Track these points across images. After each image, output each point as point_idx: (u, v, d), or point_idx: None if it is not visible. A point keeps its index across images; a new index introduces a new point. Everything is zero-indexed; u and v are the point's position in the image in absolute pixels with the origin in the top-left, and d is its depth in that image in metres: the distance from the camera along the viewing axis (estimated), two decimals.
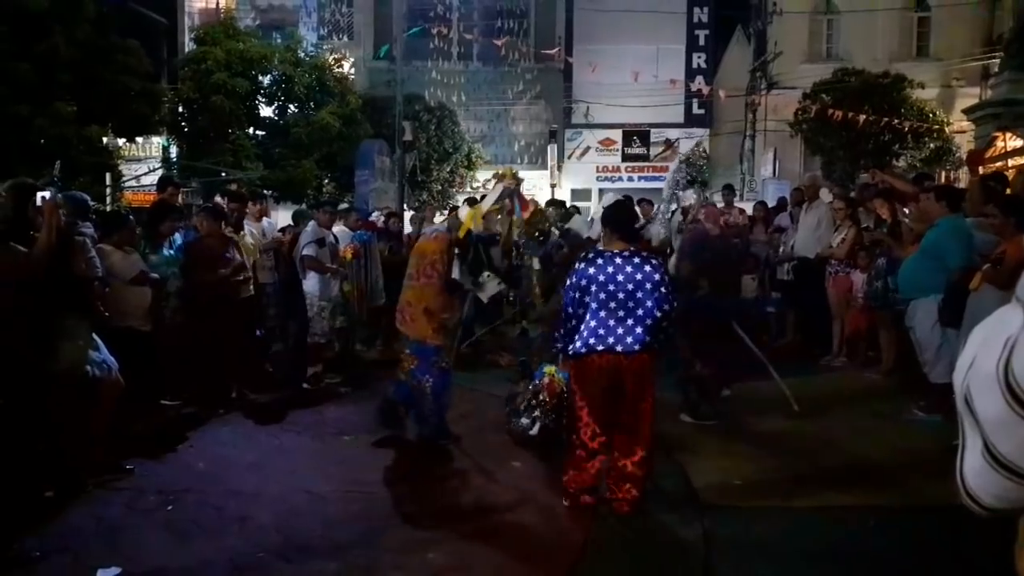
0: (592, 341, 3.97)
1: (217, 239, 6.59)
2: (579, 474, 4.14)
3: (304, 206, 12.92)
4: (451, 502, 4.47)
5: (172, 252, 6.34)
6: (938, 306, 5.61)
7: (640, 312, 3.96)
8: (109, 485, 4.63)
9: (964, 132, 16.92)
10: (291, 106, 17.23)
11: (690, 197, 8.42)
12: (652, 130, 23.93)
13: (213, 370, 6.45)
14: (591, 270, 4.02)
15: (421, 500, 4.48)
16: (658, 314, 3.97)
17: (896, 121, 17.23)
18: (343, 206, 15.03)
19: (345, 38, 23.10)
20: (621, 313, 3.96)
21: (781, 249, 9.29)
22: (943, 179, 16.15)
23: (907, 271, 6.18)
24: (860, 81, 17.95)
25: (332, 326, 7.54)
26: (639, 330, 3.96)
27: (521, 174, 22.60)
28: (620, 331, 3.96)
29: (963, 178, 17.41)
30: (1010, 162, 12.00)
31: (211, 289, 6.41)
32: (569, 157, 24.04)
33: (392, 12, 19.78)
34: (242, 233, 7.11)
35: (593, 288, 3.99)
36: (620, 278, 3.97)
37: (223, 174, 15.76)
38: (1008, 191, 7.45)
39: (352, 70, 20.92)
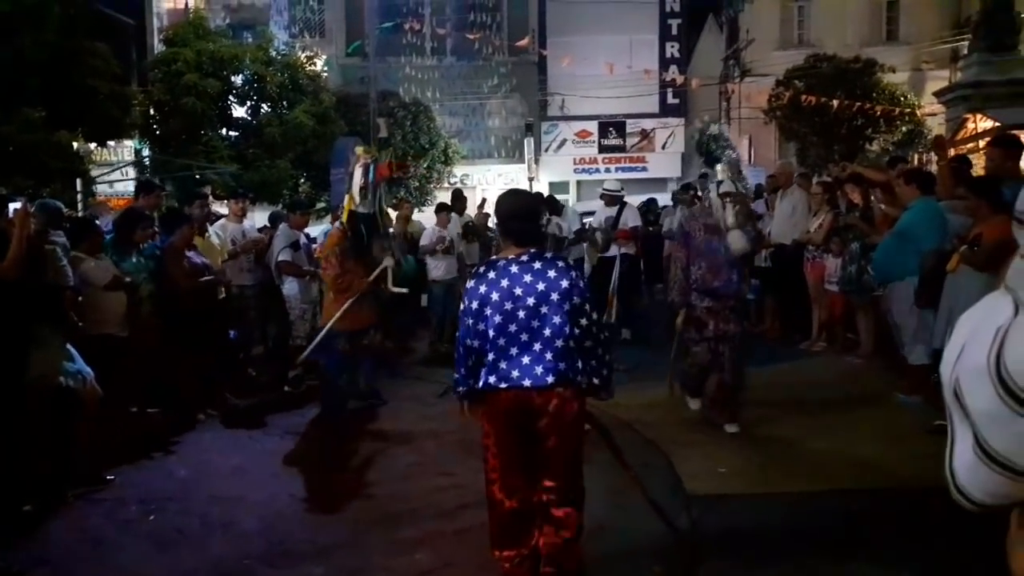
0: (492, 378, 3.07)
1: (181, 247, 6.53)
2: (505, 541, 3.15)
3: (280, 207, 12.81)
4: (437, 501, 4.45)
5: (141, 260, 6.24)
6: (914, 289, 5.66)
7: (547, 332, 3.04)
8: (90, 496, 4.57)
9: (936, 115, 17.11)
10: (264, 106, 17.04)
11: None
12: (628, 121, 23.97)
13: (192, 375, 6.38)
14: (482, 288, 3.09)
15: (407, 500, 4.46)
16: (569, 332, 3.05)
17: (868, 105, 17.40)
18: (320, 204, 14.98)
19: (317, 36, 22.91)
20: (524, 337, 3.04)
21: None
22: (916, 162, 16.31)
23: (881, 255, 6.23)
24: (832, 67, 18.11)
25: (314, 327, 7.49)
26: (548, 356, 3.03)
27: (498, 168, 22.61)
28: (525, 360, 3.04)
29: (935, 161, 17.62)
30: (981, 143, 12.15)
31: (184, 295, 6.35)
32: (546, 150, 24.04)
33: (363, 8, 19.67)
34: (207, 235, 7.03)
35: (487, 310, 3.06)
36: (518, 292, 3.04)
37: (196, 176, 15.60)
38: (976, 172, 7.56)
39: (325, 68, 20.73)
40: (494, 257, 3.30)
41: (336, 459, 5.27)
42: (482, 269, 3.20)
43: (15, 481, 4.20)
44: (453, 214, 9.81)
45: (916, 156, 17.34)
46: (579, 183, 24.02)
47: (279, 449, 5.54)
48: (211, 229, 7.61)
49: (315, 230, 8.02)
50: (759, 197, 10.81)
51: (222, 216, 8.67)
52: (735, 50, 22.40)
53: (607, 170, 23.44)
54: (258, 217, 11.51)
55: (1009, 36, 12.97)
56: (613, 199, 9.93)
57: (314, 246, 7.58)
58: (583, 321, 3.10)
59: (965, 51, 16.13)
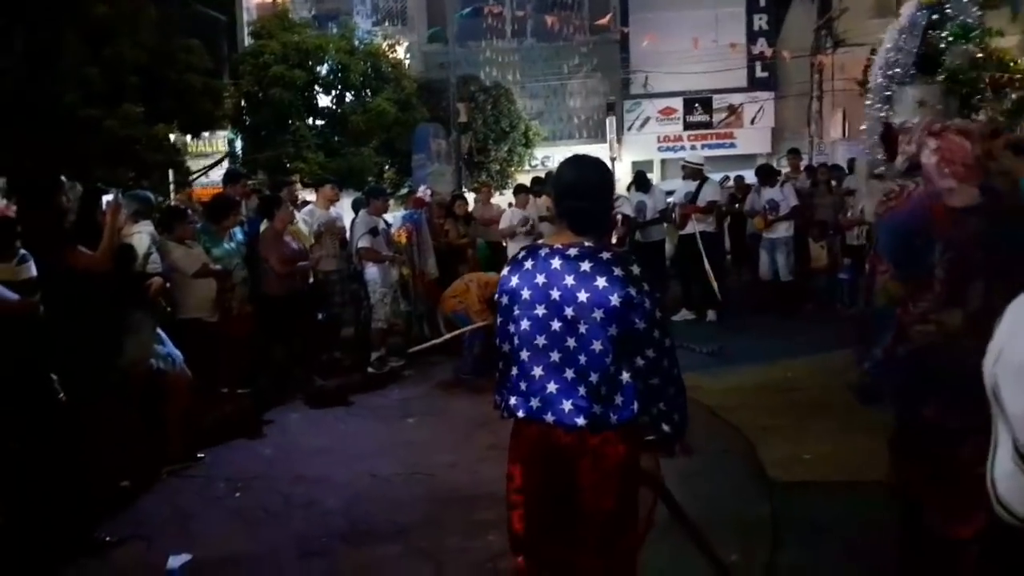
0: (514, 400, 2.36)
1: (281, 229, 6.73)
2: None
3: (363, 191, 13.06)
4: None
5: (233, 245, 6.45)
6: None
7: (583, 359, 2.24)
8: (182, 474, 4.78)
9: None
10: (348, 94, 17.37)
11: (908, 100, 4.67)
12: (714, 96, 23.31)
13: (281, 358, 6.59)
14: (514, 279, 2.36)
15: (483, 483, 4.46)
16: (613, 366, 2.23)
17: (974, 73, 16.37)
18: (404, 190, 15.18)
19: (399, 23, 23.18)
20: (555, 356, 2.28)
21: (850, 212, 8.94)
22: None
23: None
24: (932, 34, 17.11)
25: (395, 311, 7.64)
26: (581, 391, 2.24)
27: (580, 149, 22.38)
28: (551, 388, 2.28)
29: None
30: None
31: (279, 278, 6.55)
32: (629, 129, 23.65)
33: None
34: (295, 221, 7.21)
35: (516, 309, 2.35)
36: (555, 295, 2.27)
37: (286, 164, 16.07)
38: None
39: (407, 55, 20.97)
40: (539, 242, 2.50)
41: (417, 440, 5.34)
42: (521, 255, 2.43)
43: (114, 459, 4.41)
44: (533, 196, 9.77)
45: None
46: (663, 162, 23.54)
47: (362, 430, 5.66)
48: (299, 215, 7.81)
49: (393, 216, 8.11)
50: (852, 172, 10.35)
51: (310, 202, 8.89)
52: (827, 19, 21.41)
53: (692, 147, 22.86)
54: (345, 203, 11.78)
55: None
56: (695, 172, 9.64)
57: (392, 231, 7.68)
58: (649, 352, 2.26)
59: None
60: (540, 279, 2.29)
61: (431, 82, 19.85)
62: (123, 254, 4.50)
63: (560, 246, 2.33)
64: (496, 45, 22.42)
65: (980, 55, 2.87)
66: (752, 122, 23.44)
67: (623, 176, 17.68)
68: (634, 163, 22.66)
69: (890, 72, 3.05)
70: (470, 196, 13.43)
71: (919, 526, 2.68)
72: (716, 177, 11.41)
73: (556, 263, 2.29)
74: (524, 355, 2.33)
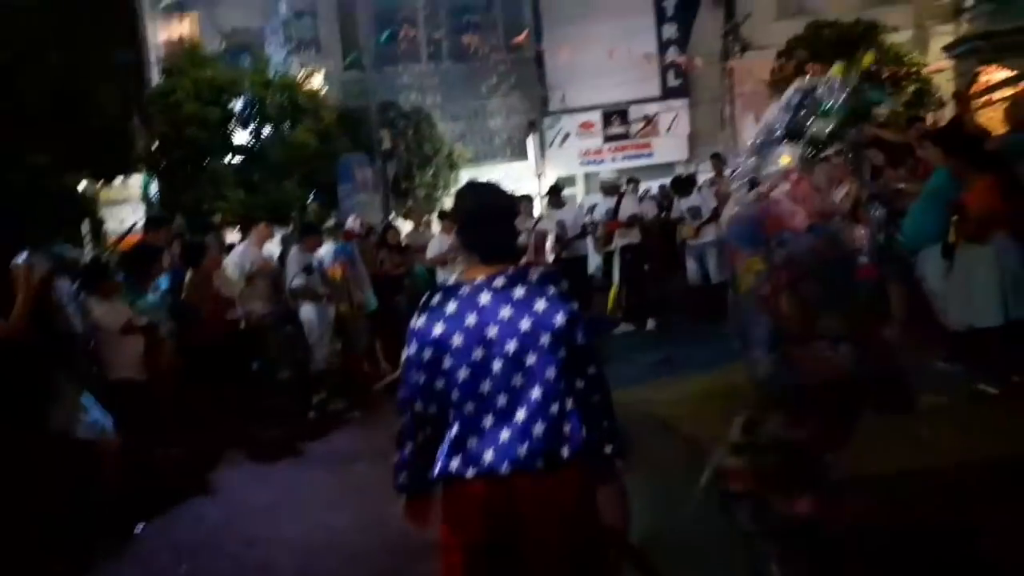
0: (456, 463, 2.12)
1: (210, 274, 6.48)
2: None
3: (290, 229, 12.73)
4: None
5: (157, 297, 6.15)
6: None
7: (536, 392, 2.09)
8: (120, 548, 4.47)
9: (942, 71, 16.75)
10: (266, 128, 17.02)
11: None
12: (631, 107, 23.71)
13: (216, 411, 6.29)
14: (437, 328, 2.14)
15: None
16: (567, 388, 2.12)
17: (874, 68, 17.06)
18: (329, 222, 14.89)
19: (314, 51, 22.87)
20: (502, 401, 2.10)
21: None
22: (929, 121, 15.98)
23: (911, 220, 6.03)
24: (834, 33, 17.78)
25: (334, 349, 7.42)
26: (538, 428, 2.08)
27: (505, 168, 22.47)
28: (504, 435, 2.09)
29: (947, 118, 17.30)
30: (996, 95, 11.85)
31: (208, 326, 6.28)
32: (551, 145, 23.84)
33: (358, 21, 19.59)
34: (222, 267, 6.94)
35: (447, 361, 2.12)
36: (491, 333, 2.10)
37: (205, 206, 15.60)
38: (996, 126, 7.33)
39: (324, 84, 20.70)
40: (452, 281, 2.28)
41: (368, 486, 5.13)
42: (436, 299, 2.18)
43: (42, 542, 4.10)
44: None
45: (927, 115, 17.02)
46: (587, 176, 23.79)
47: (310, 481, 5.44)
48: (227, 260, 7.53)
49: (324, 251, 7.88)
50: None
51: (234, 245, 8.61)
52: (733, 25, 22.07)
53: (612, 159, 23.17)
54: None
55: None
56: (612, 188, 9.87)
57: (325, 266, 7.47)
58: (590, 370, 2.14)
59: (969, 2, 15.78)
60: (470, 320, 2.11)
61: (351, 110, 19.62)
62: (41, 317, 4.19)
63: (482, 279, 2.17)
64: (414, 69, 22.33)
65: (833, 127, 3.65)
66: (668, 130, 23.91)
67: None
68: (558, 179, 22.82)
69: (765, 137, 3.72)
70: (401, 224, 13.28)
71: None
72: (653, 187, 11.67)
73: (484, 298, 2.13)
74: (468, 409, 2.11)
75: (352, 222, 8.62)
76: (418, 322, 2.19)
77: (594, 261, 10.73)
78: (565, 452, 2.10)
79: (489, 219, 2.24)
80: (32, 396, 4.08)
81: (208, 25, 22.37)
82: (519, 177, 21.72)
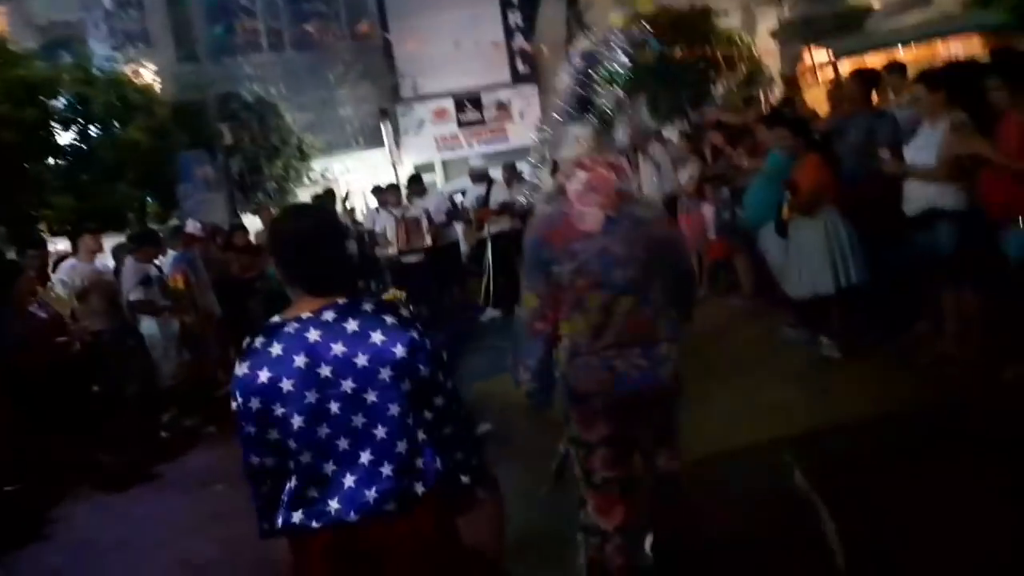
0: (298, 516, 1.94)
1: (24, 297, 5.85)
2: None
3: (127, 235, 11.87)
4: None
5: None
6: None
7: (380, 432, 1.94)
8: None
9: (770, 52, 17.81)
10: (92, 128, 15.74)
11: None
12: (483, 94, 23.75)
13: (53, 442, 5.73)
14: (263, 374, 1.92)
15: None
16: (415, 423, 1.97)
17: (708, 50, 17.91)
18: (172, 222, 14.00)
19: (141, 45, 21.37)
20: (344, 444, 1.94)
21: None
22: (762, 98, 16.96)
23: (751, 199, 6.34)
24: (670, 18, 18.49)
25: (181, 363, 6.96)
26: (386, 469, 1.93)
27: (360, 156, 21.96)
28: (349, 481, 1.93)
29: (777, 95, 18.45)
30: (819, 75, 12.70)
31: (33, 355, 5.68)
32: (406, 133, 23.52)
33: (190, 11, 18.47)
34: (48, 284, 6.32)
35: (278, 409, 1.92)
36: (325, 373, 1.92)
37: (31, 213, 14.27)
38: (820, 106, 7.85)
39: (157, 78, 19.39)
40: (276, 319, 2.01)
41: (228, 510, 4.81)
42: (258, 342, 1.96)
43: None
44: None
45: (760, 93, 18.06)
46: (445, 163, 23.67)
47: (164, 510, 5.05)
48: (55, 277, 6.88)
49: (163, 260, 7.36)
50: (620, 155, 10.90)
51: (67, 255, 7.88)
52: (576, 12, 22.52)
53: (470, 146, 23.19)
54: (107, 243, 10.58)
55: None
56: (481, 175, 9.87)
57: (166, 276, 6.97)
58: (438, 401, 2.00)
59: None
60: (300, 361, 1.91)
61: (187, 105, 18.49)
62: None
63: (309, 314, 1.96)
64: (254, 59, 21.38)
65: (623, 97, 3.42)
66: (521, 116, 24.18)
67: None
68: (416, 166, 22.57)
69: (560, 112, 3.53)
70: (251, 221, 12.66)
71: None
72: (526, 171, 11.77)
73: (314, 335, 1.92)
74: (306, 458, 1.93)
75: (191, 226, 8.09)
76: (241, 369, 1.95)
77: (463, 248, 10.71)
78: (419, 488, 1.96)
79: (312, 246, 2.02)
80: None
81: (19, 19, 20.42)
82: (375, 165, 21.32)
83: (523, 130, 23.98)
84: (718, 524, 3.31)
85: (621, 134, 4.09)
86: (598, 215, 2.76)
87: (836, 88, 6.97)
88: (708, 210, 7.92)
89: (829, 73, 11.96)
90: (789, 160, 5.71)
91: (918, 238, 4.94)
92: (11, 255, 8.85)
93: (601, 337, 2.76)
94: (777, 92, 18.10)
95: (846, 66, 10.70)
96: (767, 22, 18.80)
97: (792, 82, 7.79)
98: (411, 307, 2.25)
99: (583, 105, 3.34)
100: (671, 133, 10.68)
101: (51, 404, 5.68)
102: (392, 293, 5.57)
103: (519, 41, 22.50)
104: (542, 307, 2.84)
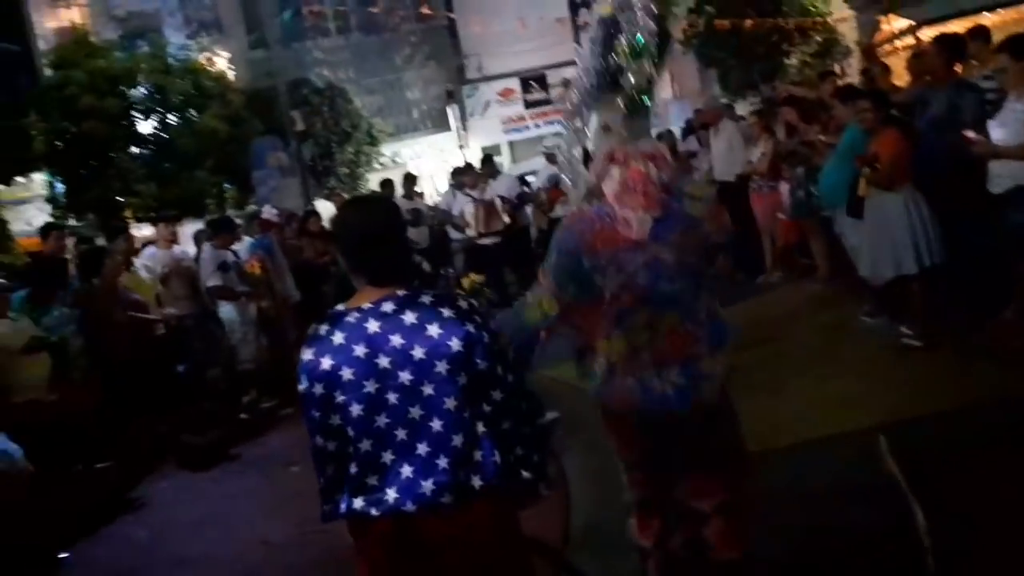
0: (359, 502, 1.99)
1: (112, 282, 6.12)
2: None
3: (205, 222, 12.28)
4: None
5: (65, 310, 5.78)
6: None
7: (436, 424, 1.96)
8: None
9: (846, 20, 17.11)
10: (171, 117, 16.26)
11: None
12: (548, 72, 23.55)
13: (139, 422, 6.01)
14: (326, 360, 1.98)
15: None
16: (471, 418, 1.99)
17: (781, 21, 17.32)
18: (250, 208, 14.39)
19: (215, 33, 21.93)
20: (401, 434, 1.97)
21: (696, 174, 9.20)
22: (838, 71, 16.34)
23: (827, 178, 6.12)
24: None
25: (260, 347, 7.18)
26: (442, 462, 1.96)
27: (428, 139, 22.08)
28: (406, 472, 1.97)
29: (854, 67, 17.76)
30: (898, 43, 12.15)
31: (121, 334, 5.95)
32: (472, 115, 23.54)
33: None
34: (132, 269, 6.59)
35: (339, 396, 1.97)
36: (384, 363, 1.95)
37: (118, 200, 14.89)
38: (898, 76, 7.51)
39: (230, 66, 19.88)
40: (339, 307, 2.07)
41: (305, 491, 4.97)
42: (322, 329, 2.02)
43: None
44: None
45: (835, 65, 17.40)
46: (512, 144, 23.62)
47: (243, 490, 5.24)
48: (138, 262, 7.17)
49: (241, 245, 7.56)
50: (690, 133, 10.67)
51: (150, 243, 8.20)
52: None
53: (536, 126, 23.06)
54: (188, 229, 10.97)
55: None
56: (553, 156, 9.79)
57: (243, 262, 7.17)
58: (496, 395, 2.00)
59: None
60: (359, 351, 1.95)
61: (260, 91, 18.92)
62: None
63: (370, 305, 2.00)
64: (323, 44, 21.65)
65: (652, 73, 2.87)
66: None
67: (475, 163, 17.60)
68: (483, 148, 22.59)
69: (580, 97, 3.10)
70: (324, 206, 12.90)
71: None
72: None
73: (373, 326, 1.96)
74: (365, 446, 1.97)
75: (267, 212, 8.30)
76: (306, 355, 2.01)
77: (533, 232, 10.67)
78: (476, 483, 1.98)
79: (373, 239, 2.05)
80: None
81: (99, 11, 21.21)
82: (443, 148, 21.45)
83: None
84: (790, 519, 3.25)
85: (652, 118, 3.61)
86: (644, 219, 2.46)
87: (916, 58, 6.64)
88: (782, 190, 7.70)
89: (908, 42, 11.43)
90: (866, 136, 5.49)
91: (1005, 218, 4.70)
92: (99, 242, 9.27)
93: (639, 355, 2.50)
94: (854, 64, 17.49)
95: (927, 34, 10.22)
96: None
97: (870, 52, 7.46)
98: (488, 291, 2.23)
99: (608, 84, 2.99)
100: (742, 109, 10.42)
101: (137, 385, 5.95)
102: (471, 278, 5.61)
103: (584, 15, 22.11)
104: (560, 319, 2.59)
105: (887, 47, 12.17)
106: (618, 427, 2.64)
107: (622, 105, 2.81)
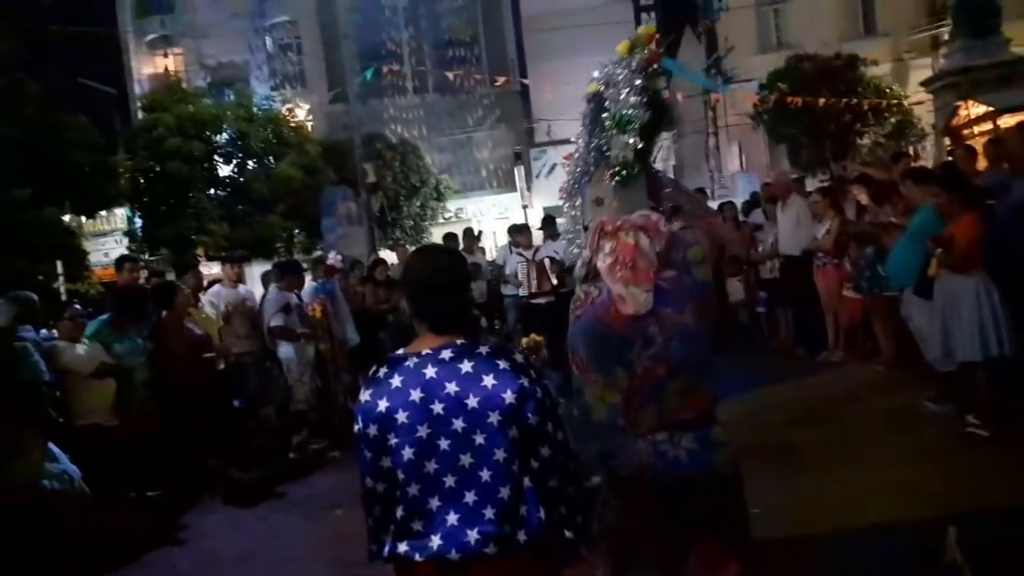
0: (403, 547, 2.01)
1: (181, 316, 6.32)
2: None
3: (272, 264, 12.64)
4: None
5: (139, 341, 5.97)
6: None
7: (485, 475, 1.96)
8: None
9: (922, 103, 16.97)
10: (249, 162, 16.96)
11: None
12: None
13: (191, 454, 6.13)
14: (382, 403, 2.01)
15: None
16: (519, 472, 1.99)
17: (854, 101, 17.26)
18: (317, 253, 14.78)
19: (298, 87, 22.94)
20: (450, 481, 1.98)
21: (760, 247, 9.13)
22: (911, 152, 16.12)
23: (896, 258, 6.00)
24: (814, 65, 18.00)
25: (314, 388, 7.29)
26: (488, 512, 1.95)
27: (492, 199, 22.40)
28: (451, 519, 1.97)
29: (928, 150, 17.51)
30: (976, 129, 11.96)
31: (183, 370, 6.11)
32: (537, 176, 23.91)
33: (343, 55, 19.67)
34: (199, 305, 6.80)
35: (392, 438, 2.00)
36: (438, 409, 1.97)
37: (191, 237, 15.48)
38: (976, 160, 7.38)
39: (309, 117, 20.72)
40: (399, 352, 2.11)
41: (349, 534, 4.97)
42: (382, 372, 2.06)
43: None
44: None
45: (909, 147, 17.17)
46: None
47: (287, 528, 5.26)
48: (204, 298, 7.40)
49: (304, 290, 7.76)
50: (756, 206, 10.61)
51: (216, 281, 8.46)
52: (715, 59, 22.34)
53: None
54: (256, 270, 11.33)
55: (990, 18, 12.79)
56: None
57: (305, 305, 7.35)
58: (544, 451, 2.00)
59: (946, 36, 16.01)
60: (415, 395, 1.98)
61: (336, 143, 19.63)
62: (2, 366, 4.06)
63: (429, 351, 2.02)
64: (399, 102, 22.45)
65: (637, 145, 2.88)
66: (654, 161, 24.01)
67: (537, 223, 17.81)
68: (545, 208, 22.83)
69: (577, 169, 3.17)
70: (388, 256, 13.16)
71: None
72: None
73: (430, 371, 1.99)
74: (413, 490, 1.98)
75: (333, 258, 8.51)
76: (364, 395, 2.05)
77: None
78: (521, 536, 1.98)
79: (439, 287, 2.09)
80: None
81: (194, 60, 22.42)
82: (506, 208, 21.78)
83: None
84: None
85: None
86: (637, 294, 2.46)
87: (994, 143, 6.55)
88: (846, 267, 7.57)
89: (986, 127, 11.24)
90: (939, 217, 5.39)
91: None
92: (169, 276, 9.63)
93: (662, 419, 2.48)
94: (928, 147, 17.24)
95: (1006, 121, 10.05)
96: (920, 72, 17.98)
97: (955, 133, 7.36)
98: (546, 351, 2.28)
99: (597, 159, 2.90)
100: (811, 186, 10.34)
101: (193, 417, 6.08)
102: (531, 338, 5.62)
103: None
104: (624, 401, 2.52)
105: (965, 132, 11.99)
106: (625, 494, 2.57)
107: (609, 178, 2.82)
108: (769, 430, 5.84)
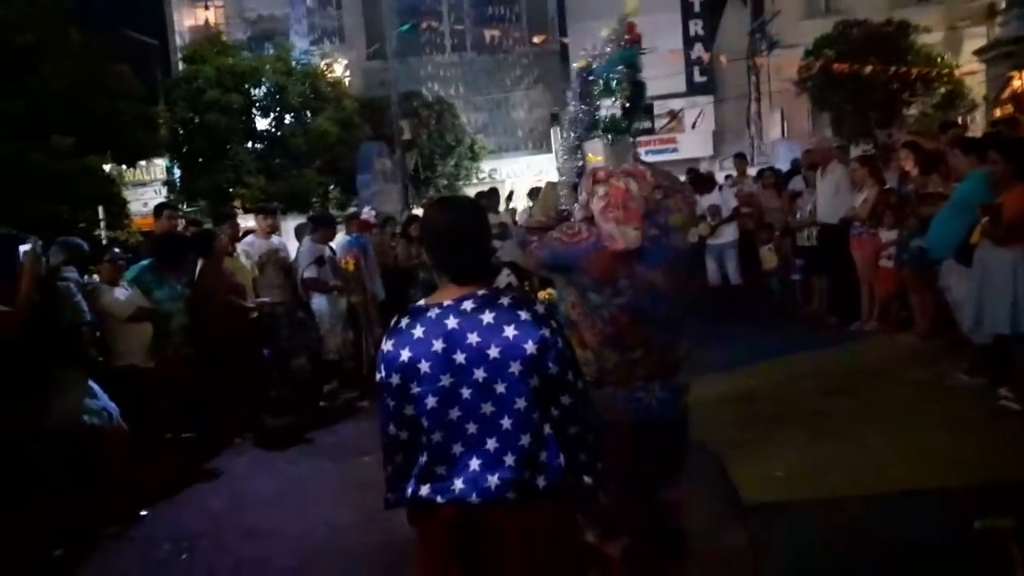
0: (425, 489, 2.05)
1: (220, 259, 6.43)
2: None
3: (307, 216, 12.74)
4: None
5: (178, 287, 6.07)
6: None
7: (506, 422, 2.00)
8: (123, 536, 4.46)
9: (974, 73, 16.40)
10: (287, 116, 17.03)
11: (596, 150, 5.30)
12: (656, 102, 23.46)
13: (226, 398, 6.27)
14: (405, 352, 2.02)
15: None
16: (540, 419, 2.02)
17: (903, 69, 16.75)
18: (351, 209, 14.87)
19: (337, 41, 22.88)
20: (472, 428, 2.01)
21: (799, 215, 8.98)
22: (962, 123, 15.65)
23: (937, 228, 5.87)
24: (862, 32, 17.46)
25: (345, 340, 7.38)
26: (508, 459, 2.00)
27: (527, 160, 22.32)
28: (473, 464, 2.01)
29: (978, 121, 16.96)
30: None
31: (219, 315, 6.22)
32: None
33: (382, 11, 19.55)
34: (235, 254, 6.89)
35: (415, 387, 2.02)
36: (460, 358, 2.00)
37: (229, 190, 15.65)
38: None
39: (347, 73, 20.69)
40: (421, 303, 2.13)
41: (373, 480, 5.07)
42: (404, 322, 2.07)
43: (44, 526, 4.08)
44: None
45: (958, 118, 16.67)
46: None
47: (315, 473, 5.38)
48: (239, 247, 7.49)
49: (337, 242, 7.83)
50: (796, 173, 10.42)
51: (250, 232, 8.56)
52: (761, 23, 21.78)
53: (636, 154, 22.98)
54: (288, 227, 11.45)
55: None
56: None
57: (338, 258, 7.42)
58: (565, 400, 2.03)
59: (1003, 5, 15.42)
60: (437, 345, 1.99)
61: (373, 100, 19.62)
62: (47, 306, 4.17)
63: (451, 302, 2.04)
64: (437, 60, 22.27)
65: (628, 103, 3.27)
66: (693, 126, 23.66)
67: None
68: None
69: (573, 131, 3.41)
70: (421, 213, 13.20)
71: None
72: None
73: (452, 322, 2.00)
74: (437, 437, 2.02)
75: (367, 213, 8.56)
76: (386, 346, 2.07)
77: None
78: (540, 482, 2.02)
79: (459, 238, 2.10)
80: (37, 385, 4.05)
81: (234, 13, 22.42)
82: (541, 170, 21.66)
83: (693, 140, 23.51)
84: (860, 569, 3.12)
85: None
86: (627, 231, 2.59)
87: None
88: (883, 236, 7.44)
89: None
90: (987, 188, 5.24)
91: None
92: (206, 226, 9.74)
93: (633, 371, 2.68)
94: (978, 118, 16.71)
95: None
96: (974, 42, 17.37)
97: (1018, 100, 7.12)
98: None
99: (589, 124, 3.05)
100: (853, 154, 10.10)
101: (227, 364, 6.20)
102: (547, 292, 5.65)
103: (698, 50, 22.05)
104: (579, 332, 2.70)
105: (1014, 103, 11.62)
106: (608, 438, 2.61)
107: (601, 136, 3.25)
108: (800, 397, 5.81)
